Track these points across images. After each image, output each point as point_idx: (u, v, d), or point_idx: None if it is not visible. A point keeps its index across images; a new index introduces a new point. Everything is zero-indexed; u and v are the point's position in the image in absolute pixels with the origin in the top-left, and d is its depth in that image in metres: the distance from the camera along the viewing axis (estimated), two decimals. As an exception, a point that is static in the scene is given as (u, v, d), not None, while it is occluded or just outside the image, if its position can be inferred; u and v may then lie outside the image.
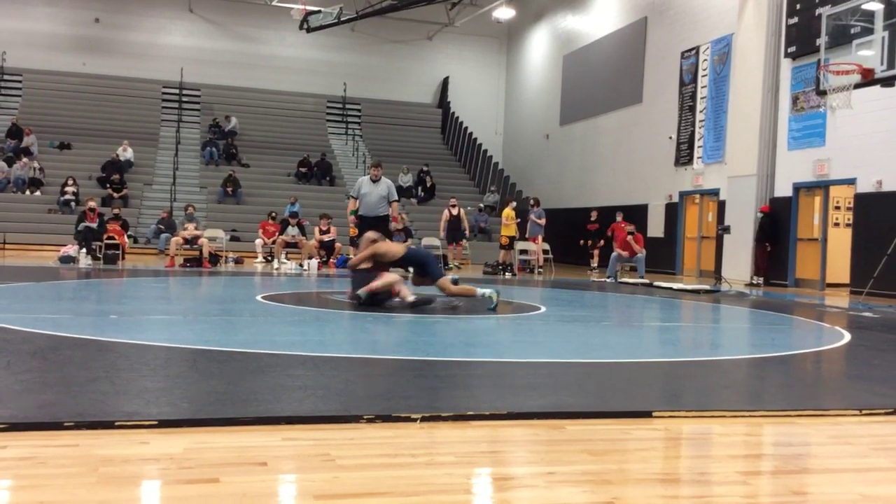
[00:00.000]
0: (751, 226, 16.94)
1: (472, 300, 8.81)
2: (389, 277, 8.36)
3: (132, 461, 2.86)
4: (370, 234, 8.93)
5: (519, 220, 18.96)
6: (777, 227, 16.79)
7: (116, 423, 3.26)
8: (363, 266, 8.50)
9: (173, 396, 3.83)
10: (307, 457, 3.02)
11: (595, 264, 20.71)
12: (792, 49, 16.47)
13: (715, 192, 18.89)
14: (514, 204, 19.55)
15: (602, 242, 20.84)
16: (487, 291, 8.62)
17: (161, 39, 28.49)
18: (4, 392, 3.78)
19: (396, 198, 13.36)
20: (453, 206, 19.30)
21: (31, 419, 3.28)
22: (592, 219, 21.11)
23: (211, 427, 3.33)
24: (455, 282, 8.91)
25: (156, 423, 3.30)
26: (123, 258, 16.40)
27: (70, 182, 21.25)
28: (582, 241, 20.99)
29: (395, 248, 8.82)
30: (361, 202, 12.87)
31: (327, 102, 29.92)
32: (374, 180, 12.85)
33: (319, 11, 24.49)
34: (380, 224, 12.85)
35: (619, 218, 19.35)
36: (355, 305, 8.36)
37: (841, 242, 15.93)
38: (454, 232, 18.96)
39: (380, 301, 8.32)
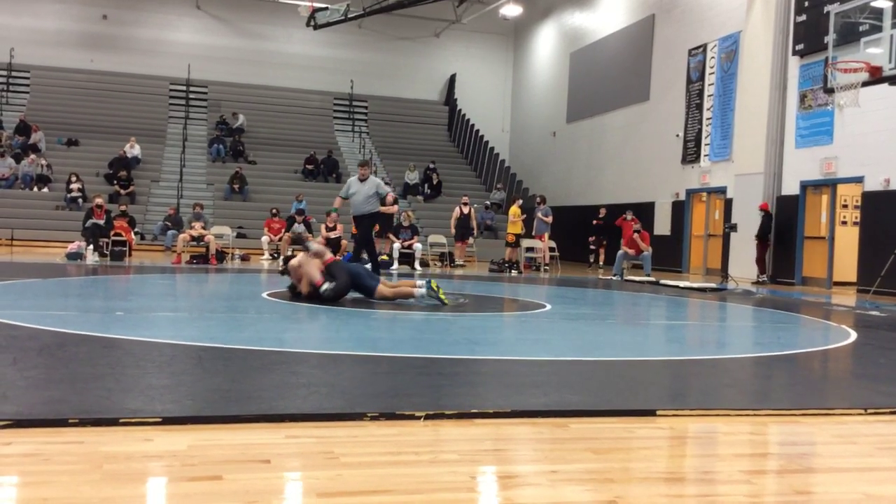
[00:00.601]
0: (757, 224, 16.89)
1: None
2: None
3: (136, 458, 2.87)
4: (294, 263, 8.80)
5: (525, 216, 18.94)
6: (773, 225, 16.72)
7: (121, 421, 3.27)
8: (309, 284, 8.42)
9: (178, 394, 3.84)
10: (310, 454, 3.03)
11: (601, 262, 20.64)
12: (800, 47, 16.40)
13: (722, 190, 18.84)
14: (521, 202, 19.50)
15: (605, 243, 20.73)
16: (424, 290, 8.39)
17: (168, 36, 28.55)
18: (10, 388, 3.80)
19: (388, 190, 13.48)
20: (465, 203, 19.28)
21: (36, 416, 3.29)
22: (601, 215, 21.04)
23: (215, 424, 3.34)
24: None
25: (160, 420, 3.31)
26: (130, 255, 16.44)
27: (74, 179, 21.27)
28: (592, 238, 20.96)
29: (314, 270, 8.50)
30: (351, 201, 12.99)
31: (334, 99, 29.92)
32: (362, 180, 12.95)
33: (327, 8, 24.50)
34: (364, 220, 12.89)
35: (629, 216, 19.33)
36: (357, 303, 8.39)
37: (848, 241, 15.88)
38: (463, 230, 18.96)
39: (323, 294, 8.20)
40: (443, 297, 8.45)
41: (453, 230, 19.11)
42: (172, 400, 3.70)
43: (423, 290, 8.48)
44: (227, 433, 3.23)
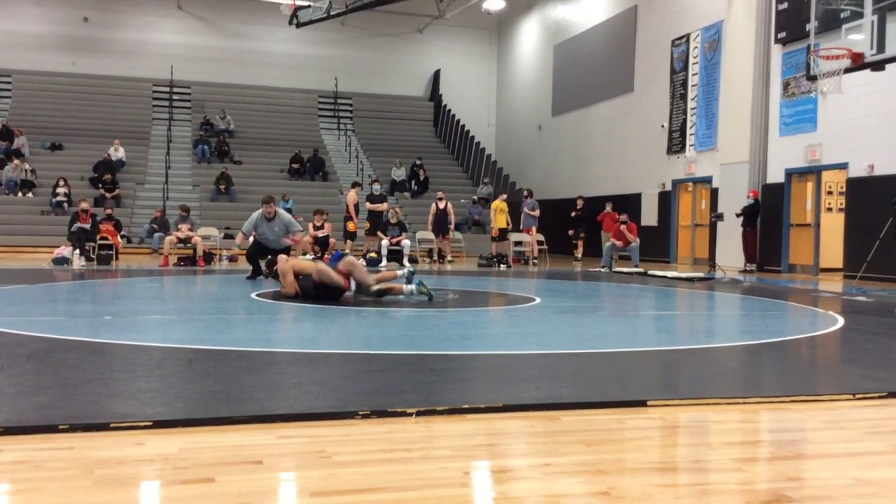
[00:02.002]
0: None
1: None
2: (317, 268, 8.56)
3: (127, 462, 2.85)
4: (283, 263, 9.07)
5: (509, 211, 18.92)
6: (758, 213, 16.81)
7: (111, 425, 3.26)
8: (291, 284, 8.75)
9: (168, 396, 3.83)
10: (303, 454, 3.03)
11: (579, 255, 20.51)
12: (782, 35, 16.47)
13: (707, 180, 18.92)
14: (504, 196, 19.54)
15: (583, 235, 20.59)
16: (413, 287, 8.53)
17: (150, 37, 28.38)
18: (-1, 396, 3.78)
19: (299, 229, 12.28)
20: (440, 199, 19.25)
21: (25, 422, 3.27)
22: (578, 206, 20.91)
23: (206, 427, 3.33)
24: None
25: (150, 423, 3.30)
26: (117, 258, 16.36)
27: (61, 183, 21.17)
28: (571, 231, 20.80)
29: (307, 264, 9.07)
30: (260, 238, 11.91)
31: (319, 97, 29.85)
32: (269, 218, 11.70)
33: (309, 6, 24.42)
34: (273, 253, 11.49)
35: (608, 208, 19.34)
36: (354, 300, 8.38)
37: (834, 227, 15.97)
38: (441, 225, 18.91)
39: (333, 294, 8.41)
40: (432, 293, 8.53)
41: (430, 226, 19.04)
42: (163, 403, 3.69)
43: (413, 287, 8.56)
44: (219, 435, 3.23)
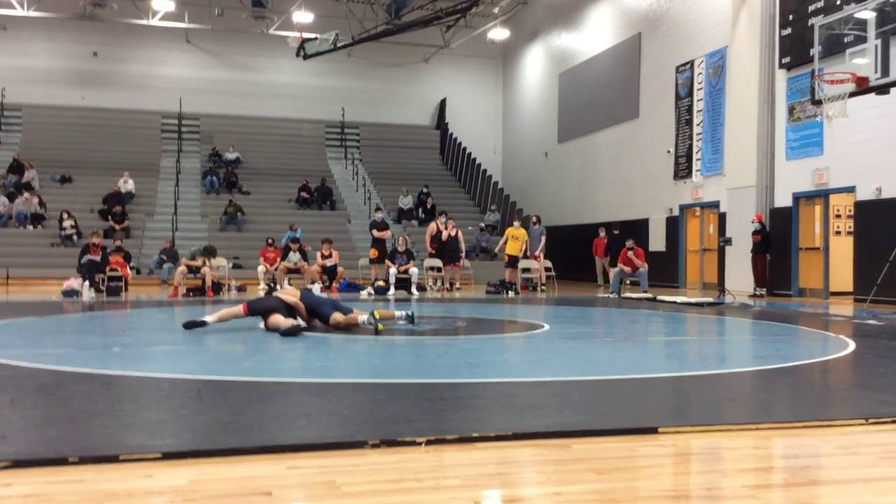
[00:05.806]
0: (749, 237, 16.93)
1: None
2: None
3: (137, 495, 2.85)
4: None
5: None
6: (766, 237, 16.75)
7: (121, 457, 3.25)
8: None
9: (177, 428, 3.83)
10: (312, 485, 3.01)
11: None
12: (786, 60, 16.54)
13: (715, 205, 18.91)
14: (517, 223, 19.62)
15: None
16: (366, 317, 8.38)
17: (159, 71, 28.68)
18: (9, 429, 3.78)
19: None
20: (451, 226, 19.25)
21: (35, 455, 3.27)
22: (601, 235, 20.87)
23: (215, 458, 3.32)
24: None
25: (160, 455, 3.29)
26: (126, 290, 16.40)
27: (66, 216, 21.24)
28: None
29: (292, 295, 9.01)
30: None
31: (326, 127, 30.05)
32: None
33: (316, 38, 24.63)
34: None
35: (601, 233, 19.36)
36: (354, 331, 8.37)
37: (843, 250, 15.91)
38: (452, 253, 18.88)
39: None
40: (380, 326, 8.20)
41: (438, 252, 18.96)
42: (172, 434, 3.69)
43: (365, 318, 8.41)
44: (228, 466, 3.22)
